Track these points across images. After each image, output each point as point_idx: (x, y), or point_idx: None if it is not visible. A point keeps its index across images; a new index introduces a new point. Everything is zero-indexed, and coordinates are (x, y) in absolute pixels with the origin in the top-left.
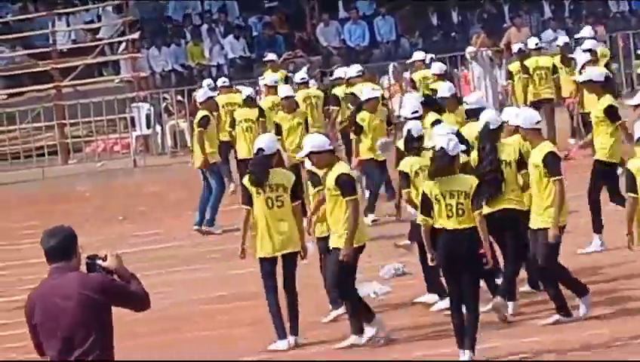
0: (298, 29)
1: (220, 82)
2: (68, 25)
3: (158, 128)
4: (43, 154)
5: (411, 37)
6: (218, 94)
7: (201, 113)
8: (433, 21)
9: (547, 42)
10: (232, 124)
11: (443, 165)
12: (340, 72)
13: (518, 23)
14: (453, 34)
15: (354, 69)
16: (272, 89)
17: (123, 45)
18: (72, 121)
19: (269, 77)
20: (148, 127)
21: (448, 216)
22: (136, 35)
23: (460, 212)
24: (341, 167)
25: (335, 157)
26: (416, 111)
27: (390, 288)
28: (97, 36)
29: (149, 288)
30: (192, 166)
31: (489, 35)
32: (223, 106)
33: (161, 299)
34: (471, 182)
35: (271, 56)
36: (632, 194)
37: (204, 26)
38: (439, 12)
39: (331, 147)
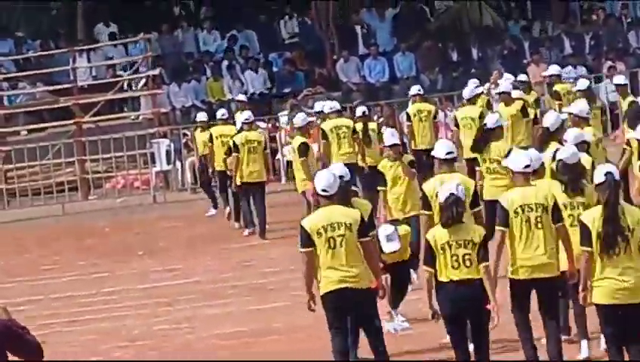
0: (318, 65)
1: (243, 116)
2: (89, 61)
3: (178, 164)
4: (63, 190)
5: (431, 73)
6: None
7: (299, 140)
8: (453, 57)
9: (567, 78)
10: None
11: (457, 211)
12: (319, 105)
13: (537, 59)
14: (473, 70)
15: (328, 105)
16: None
17: (143, 81)
18: (92, 156)
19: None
20: (168, 163)
21: (454, 267)
22: (156, 71)
23: (468, 263)
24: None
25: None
26: (451, 152)
27: (409, 324)
28: (118, 72)
29: (173, 323)
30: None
31: (508, 71)
32: (217, 137)
33: (185, 334)
34: (479, 231)
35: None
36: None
37: (225, 62)
38: (459, 48)
39: None
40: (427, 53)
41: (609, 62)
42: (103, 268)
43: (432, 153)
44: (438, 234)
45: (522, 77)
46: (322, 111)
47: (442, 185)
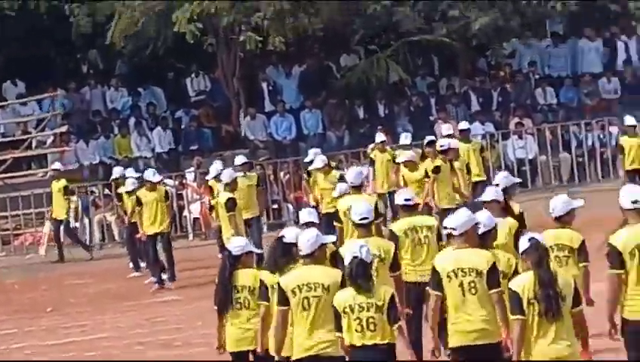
0: (225, 122)
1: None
2: None
3: (86, 221)
4: None
5: (337, 130)
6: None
7: (226, 195)
8: (360, 114)
9: (474, 135)
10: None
11: (360, 273)
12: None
13: (444, 116)
14: (380, 127)
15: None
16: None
17: (51, 138)
18: (0, 213)
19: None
20: (76, 220)
21: (356, 331)
22: (64, 129)
23: (372, 326)
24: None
25: None
26: (366, 218)
27: None
28: (29, 129)
29: None
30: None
31: (415, 128)
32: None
33: None
34: (388, 293)
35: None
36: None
37: (132, 120)
38: (366, 105)
39: None
40: (334, 110)
41: (516, 119)
42: (12, 324)
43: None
44: (341, 297)
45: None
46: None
47: (348, 248)
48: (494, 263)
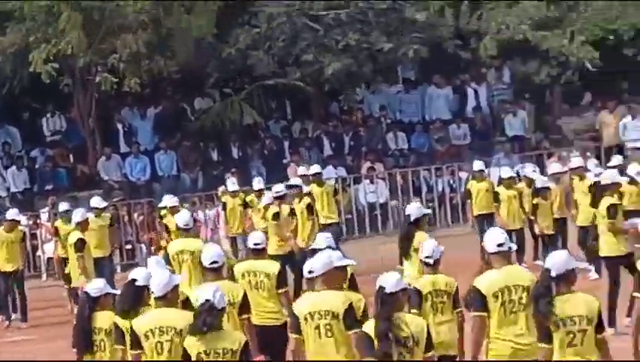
0: (81, 162)
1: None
2: None
3: None
4: None
5: (192, 172)
6: None
7: (76, 235)
8: (214, 156)
9: (327, 179)
10: None
11: (210, 319)
12: None
13: (297, 160)
14: (233, 169)
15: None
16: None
17: None
18: None
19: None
20: None
21: None
22: None
23: None
24: None
25: None
26: (216, 261)
27: None
28: None
29: None
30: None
31: (269, 172)
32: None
33: None
34: (239, 339)
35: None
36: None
37: None
38: (220, 147)
39: None
40: (188, 152)
41: (368, 163)
42: None
43: None
44: (191, 343)
45: None
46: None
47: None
48: (351, 304)
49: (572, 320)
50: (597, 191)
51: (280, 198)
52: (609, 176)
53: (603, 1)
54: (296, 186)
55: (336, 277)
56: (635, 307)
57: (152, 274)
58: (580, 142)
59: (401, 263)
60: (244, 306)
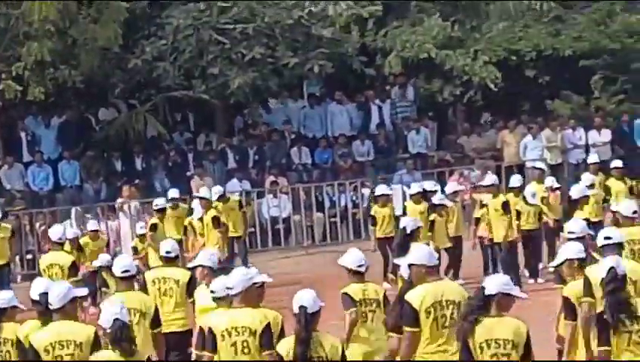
0: None
1: None
2: None
3: None
4: None
5: (95, 182)
6: None
7: None
8: (117, 167)
9: (231, 193)
10: None
11: (123, 337)
12: None
13: (200, 173)
14: (137, 181)
15: None
16: None
17: None
18: None
19: None
20: None
21: None
22: None
23: None
24: None
25: None
26: (127, 270)
27: None
28: None
29: None
30: None
31: (173, 183)
32: None
33: None
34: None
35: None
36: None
37: None
38: (123, 158)
39: None
40: (91, 163)
41: (271, 177)
42: None
43: None
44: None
45: None
46: None
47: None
48: (269, 323)
49: (497, 342)
50: (569, 205)
51: (160, 212)
52: (579, 190)
53: (506, 23)
54: (204, 198)
55: (254, 294)
56: (583, 309)
57: (50, 286)
58: (481, 161)
59: (394, 273)
60: (156, 319)
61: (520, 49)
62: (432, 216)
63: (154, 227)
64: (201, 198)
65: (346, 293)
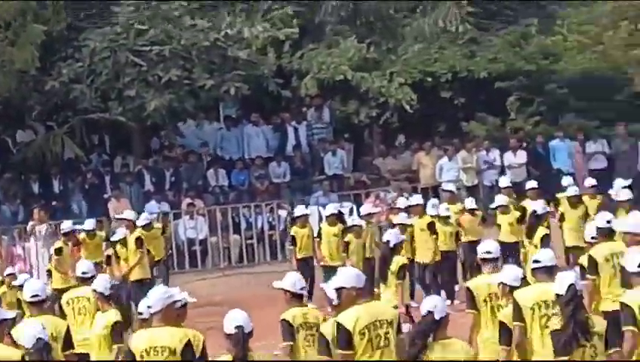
0: None
1: None
2: None
3: None
4: None
5: (12, 204)
6: None
7: None
8: (35, 189)
9: (150, 213)
10: None
11: (47, 356)
12: None
13: (117, 194)
14: (54, 203)
15: None
16: None
17: None
18: None
19: None
20: None
21: None
22: None
23: None
24: None
25: None
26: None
27: None
28: None
29: None
30: None
31: (89, 206)
32: None
33: None
34: None
35: None
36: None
37: None
38: (41, 180)
39: None
40: (9, 184)
41: (188, 199)
42: None
43: None
44: None
45: None
46: None
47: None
48: (189, 341)
49: None
50: (534, 221)
51: (65, 235)
52: (542, 205)
53: (422, 44)
54: (127, 219)
55: (174, 313)
56: (515, 334)
57: None
58: (396, 183)
59: (378, 287)
60: (67, 341)
61: (435, 71)
62: (347, 238)
63: (59, 251)
64: (125, 219)
65: (284, 320)
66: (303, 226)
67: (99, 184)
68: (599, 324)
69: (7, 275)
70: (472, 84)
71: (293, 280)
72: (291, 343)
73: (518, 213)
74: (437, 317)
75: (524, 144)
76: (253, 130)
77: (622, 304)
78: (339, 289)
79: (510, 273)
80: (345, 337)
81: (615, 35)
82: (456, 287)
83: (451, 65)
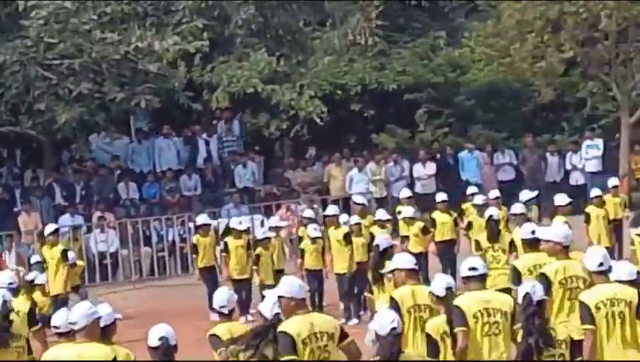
0: None
1: None
2: None
3: None
4: None
5: None
6: None
7: None
8: None
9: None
10: None
11: None
12: None
13: (28, 208)
14: None
15: None
16: None
17: None
18: None
19: None
20: None
21: None
22: None
23: None
24: None
25: None
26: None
27: None
28: None
29: None
30: None
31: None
32: None
33: None
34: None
35: None
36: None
37: None
38: None
39: None
40: None
41: (99, 212)
42: None
43: None
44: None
45: None
46: None
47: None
48: (114, 358)
49: None
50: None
51: None
52: (519, 208)
53: (331, 57)
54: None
55: (98, 329)
56: (459, 338)
57: None
58: (307, 195)
59: (371, 292)
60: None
61: (345, 83)
62: (257, 251)
63: None
64: (53, 232)
65: (213, 334)
66: (205, 235)
67: (9, 198)
68: (562, 333)
69: None
70: (382, 97)
71: (218, 299)
72: (224, 348)
73: (422, 224)
74: (382, 334)
75: (434, 156)
76: (165, 143)
77: (580, 302)
78: (279, 298)
79: (438, 283)
80: (289, 345)
81: (522, 48)
82: None
83: (361, 77)
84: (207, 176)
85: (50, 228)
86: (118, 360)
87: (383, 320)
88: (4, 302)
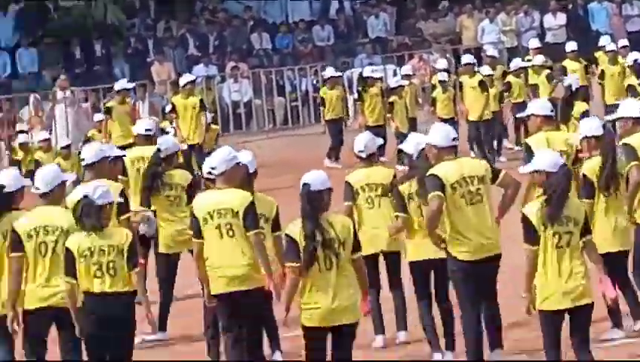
0: None
1: None
2: None
3: None
4: None
5: (54, 69)
6: None
7: None
8: (77, 54)
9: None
10: None
11: (89, 216)
12: None
13: (161, 59)
14: (96, 67)
15: None
16: None
17: None
18: None
19: None
20: None
21: (96, 276)
22: None
23: (112, 271)
24: None
25: None
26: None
27: None
28: None
29: None
30: None
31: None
32: None
33: None
34: (128, 237)
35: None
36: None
37: None
38: (83, 45)
39: None
40: (50, 50)
41: (232, 63)
42: None
43: None
44: (77, 241)
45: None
46: None
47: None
48: (252, 203)
49: None
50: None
51: (119, 93)
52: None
53: None
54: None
55: (237, 175)
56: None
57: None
58: (439, 45)
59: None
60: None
61: None
62: (392, 98)
63: (108, 110)
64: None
65: (347, 182)
66: (332, 88)
67: (142, 49)
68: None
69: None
70: None
71: (362, 143)
72: (351, 203)
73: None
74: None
75: (564, 6)
76: None
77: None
78: (427, 145)
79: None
80: (438, 185)
81: None
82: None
83: None
84: (339, 27)
85: (186, 77)
86: (254, 204)
87: None
88: (158, 150)
